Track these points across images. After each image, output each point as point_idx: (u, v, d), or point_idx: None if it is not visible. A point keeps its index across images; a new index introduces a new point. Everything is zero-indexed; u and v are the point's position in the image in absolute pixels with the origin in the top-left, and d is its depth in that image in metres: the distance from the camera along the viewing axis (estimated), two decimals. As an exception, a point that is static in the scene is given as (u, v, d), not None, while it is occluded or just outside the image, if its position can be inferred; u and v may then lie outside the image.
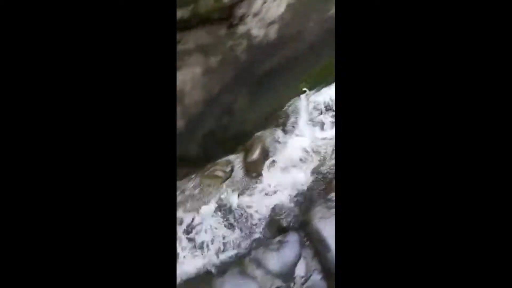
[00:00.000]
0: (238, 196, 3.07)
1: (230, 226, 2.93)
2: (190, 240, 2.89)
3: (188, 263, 2.77)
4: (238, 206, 3.04)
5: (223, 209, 3.01)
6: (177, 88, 3.02)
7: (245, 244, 2.82)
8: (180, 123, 3.10)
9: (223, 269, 2.66)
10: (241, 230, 2.91)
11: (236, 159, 3.25)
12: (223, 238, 2.88)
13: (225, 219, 2.95)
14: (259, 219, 2.93)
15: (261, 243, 2.79)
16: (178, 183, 3.22)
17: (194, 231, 2.94)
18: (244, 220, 2.96)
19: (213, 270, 2.73)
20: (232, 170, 3.23)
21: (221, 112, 3.07)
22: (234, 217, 2.97)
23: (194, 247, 2.86)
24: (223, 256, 2.78)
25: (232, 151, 3.23)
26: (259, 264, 2.58)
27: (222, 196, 3.07)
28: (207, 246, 2.85)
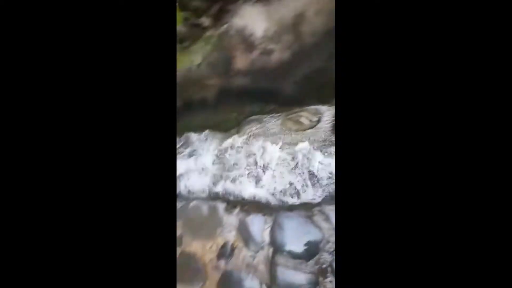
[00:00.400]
0: (316, 149, 2.82)
1: (301, 177, 2.71)
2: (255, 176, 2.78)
3: (254, 191, 2.73)
4: (313, 159, 2.80)
5: (297, 158, 2.80)
6: (296, 12, 2.86)
7: (315, 197, 2.62)
8: (285, 53, 2.95)
9: (290, 207, 2.59)
10: (312, 183, 2.69)
11: (327, 111, 2.99)
12: (289, 184, 2.72)
13: (296, 168, 2.75)
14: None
15: (333, 202, 2.52)
16: (259, 117, 3.11)
17: (264, 171, 2.80)
18: (318, 175, 2.72)
19: (280, 204, 2.63)
20: (318, 121, 2.97)
21: (331, 51, 2.83)
22: (308, 170, 2.74)
23: (256, 181, 2.74)
24: (291, 199, 2.64)
25: (326, 101, 2.97)
26: (327, 218, 2.46)
27: (296, 143, 2.87)
28: (270, 184, 2.75)
